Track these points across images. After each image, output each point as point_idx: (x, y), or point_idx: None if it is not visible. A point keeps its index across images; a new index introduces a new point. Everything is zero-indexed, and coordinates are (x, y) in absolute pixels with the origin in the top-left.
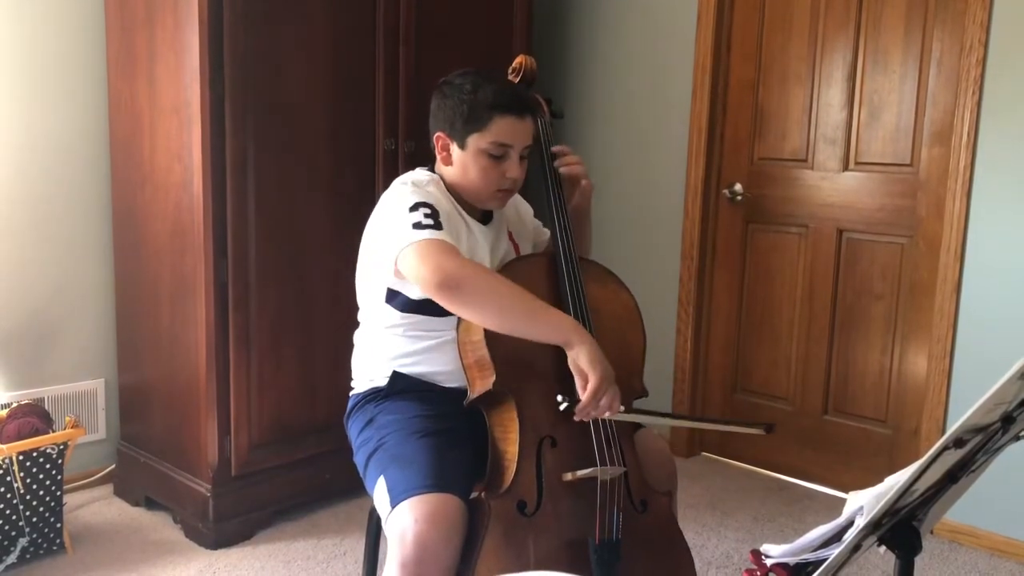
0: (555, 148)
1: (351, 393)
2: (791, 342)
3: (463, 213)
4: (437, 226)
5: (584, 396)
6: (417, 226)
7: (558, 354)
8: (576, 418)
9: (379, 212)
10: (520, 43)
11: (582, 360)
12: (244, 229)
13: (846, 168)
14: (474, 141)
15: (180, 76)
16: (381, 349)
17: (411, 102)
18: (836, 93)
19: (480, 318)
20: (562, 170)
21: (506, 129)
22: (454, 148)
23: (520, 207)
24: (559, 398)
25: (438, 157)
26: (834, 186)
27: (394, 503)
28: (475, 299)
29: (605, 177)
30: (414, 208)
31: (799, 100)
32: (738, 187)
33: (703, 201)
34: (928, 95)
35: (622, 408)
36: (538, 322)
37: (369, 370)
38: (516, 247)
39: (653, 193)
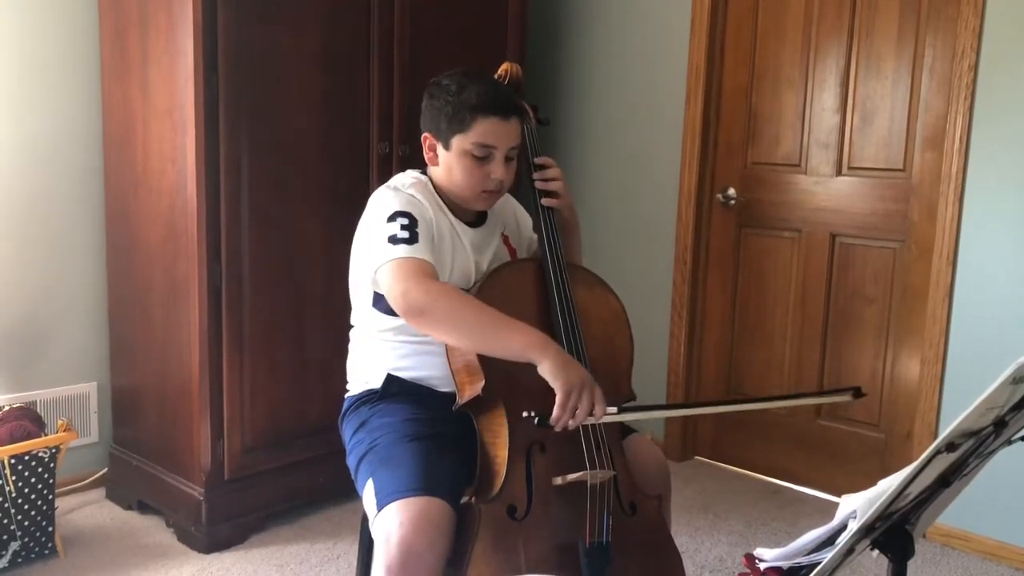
0: (538, 160)
1: (346, 395)
2: (784, 346)
3: (448, 214)
4: (412, 238)
5: (555, 408)
6: (393, 240)
7: None
8: (556, 429)
9: (364, 218)
10: (514, 47)
11: (546, 373)
12: (238, 232)
13: (839, 173)
14: (458, 142)
15: (174, 78)
16: (376, 352)
17: (405, 105)
18: (829, 98)
19: (446, 340)
20: (537, 185)
21: (489, 130)
22: (440, 149)
23: (519, 215)
24: (525, 414)
25: (426, 157)
26: (827, 190)
27: (380, 505)
28: (439, 324)
29: (598, 181)
30: (392, 218)
31: (792, 105)
32: (731, 191)
33: (696, 205)
34: (921, 100)
35: (614, 409)
36: (500, 342)
37: (364, 372)
38: (513, 252)
39: (647, 197)
